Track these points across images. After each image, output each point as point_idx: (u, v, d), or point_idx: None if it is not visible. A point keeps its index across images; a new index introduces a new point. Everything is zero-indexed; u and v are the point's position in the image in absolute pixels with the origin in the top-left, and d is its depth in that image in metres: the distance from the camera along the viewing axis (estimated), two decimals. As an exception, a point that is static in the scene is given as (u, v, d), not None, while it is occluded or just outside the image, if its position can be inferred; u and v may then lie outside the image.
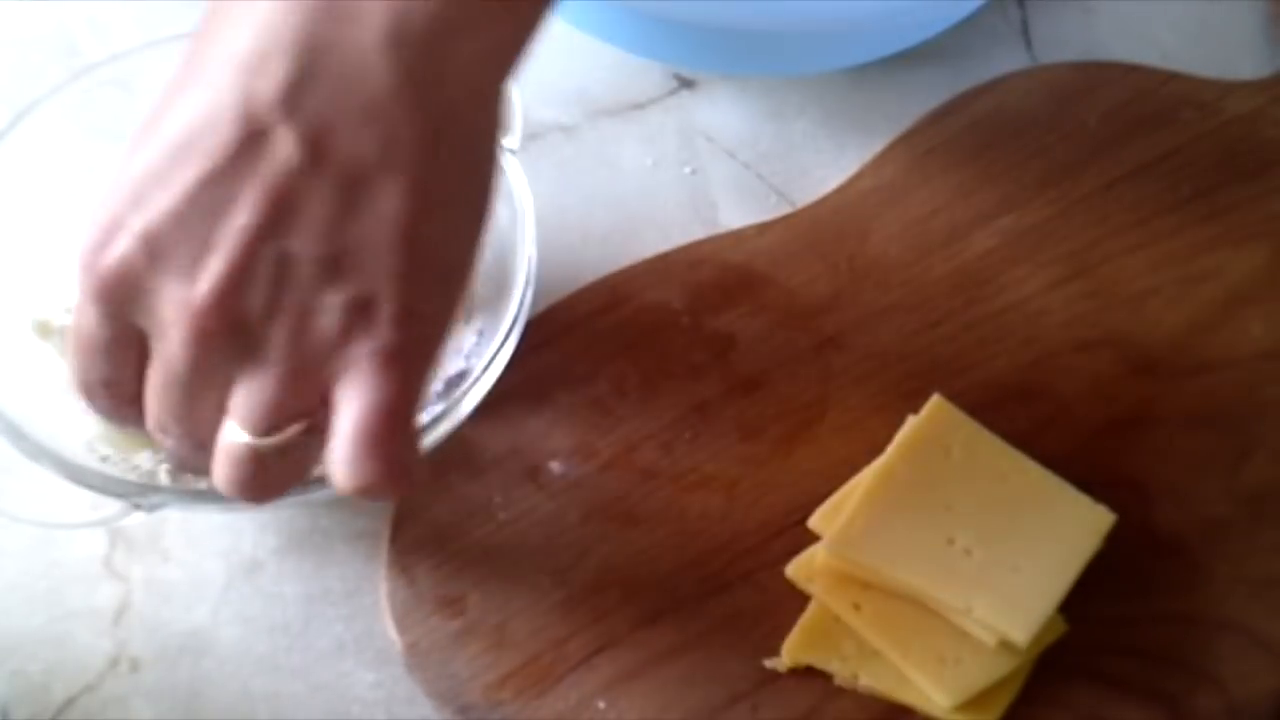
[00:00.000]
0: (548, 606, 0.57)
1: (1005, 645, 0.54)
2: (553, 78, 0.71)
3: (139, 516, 0.53)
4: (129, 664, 0.57)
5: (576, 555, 0.58)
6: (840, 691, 0.56)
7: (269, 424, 0.42)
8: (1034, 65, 0.73)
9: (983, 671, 0.54)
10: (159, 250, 0.40)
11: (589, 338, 0.63)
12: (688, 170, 0.70)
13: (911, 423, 0.59)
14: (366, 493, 0.43)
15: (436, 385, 0.58)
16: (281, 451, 0.43)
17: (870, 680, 0.55)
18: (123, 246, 0.40)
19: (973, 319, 0.64)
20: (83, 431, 0.55)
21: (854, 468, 0.59)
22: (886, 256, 0.66)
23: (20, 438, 0.52)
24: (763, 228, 0.66)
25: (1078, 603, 0.55)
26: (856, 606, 0.56)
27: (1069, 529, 0.56)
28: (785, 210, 0.68)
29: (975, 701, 0.54)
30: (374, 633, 0.58)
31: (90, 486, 0.52)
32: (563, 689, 0.56)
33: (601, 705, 0.55)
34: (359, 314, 0.41)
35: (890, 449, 0.58)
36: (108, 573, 0.58)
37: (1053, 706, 0.56)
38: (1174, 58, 0.73)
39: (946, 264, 0.66)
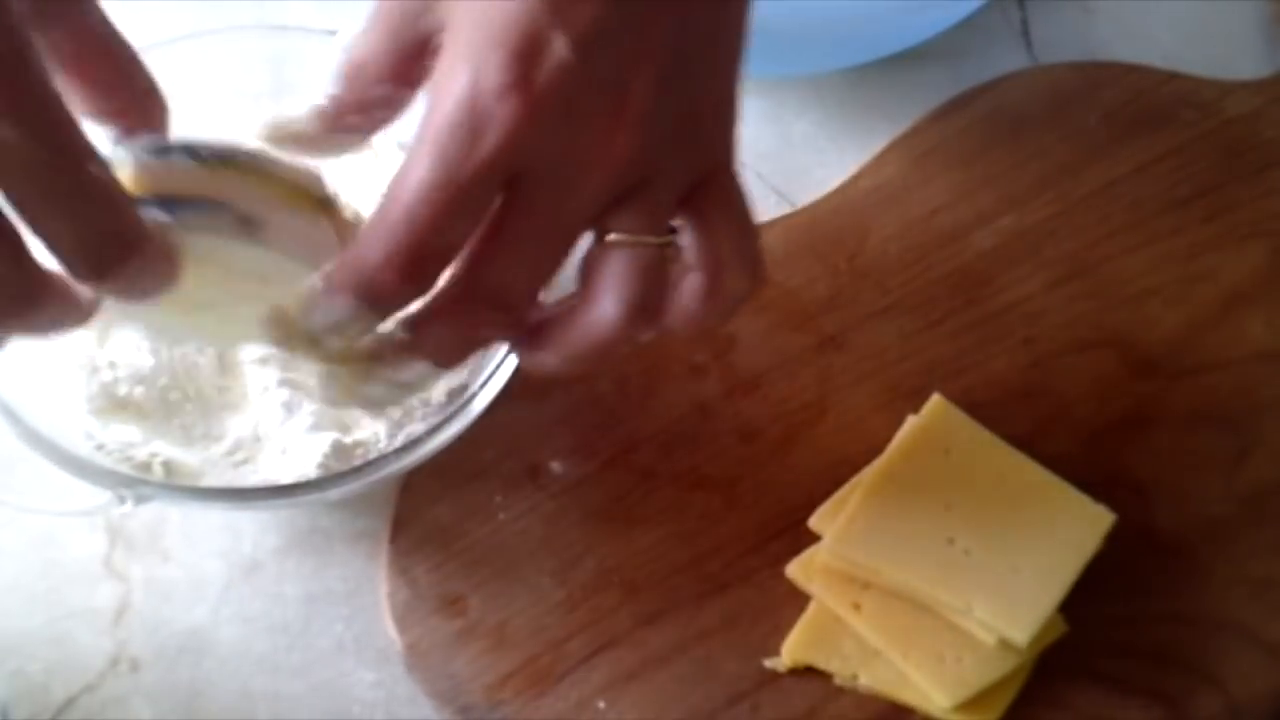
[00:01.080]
0: (548, 606, 0.57)
1: (1005, 645, 0.54)
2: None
3: (134, 511, 0.53)
4: (129, 664, 0.57)
5: (576, 555, 0.58)
6: (840, 691, 0.56)
7: (665, 226, 0.43)
8: (1034, 65, 0.73)
9: (983, 671, 0.54)
10: (592, 60, 0.38)
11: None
12: (688, 170, 0.70)
13: (911, 423, 0.59)
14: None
15: (439, 395, 0.58)
16: (666, 258, 0.43)
17: (870, 680, 0.55)
18: (559, 55, 0.37)
19: (973, 319, 0.64)
20: (79, 419, 0.56)
21: (854, 468, 0.59)
22: (886, 256, 0.66)
23: (15, 421, 0.52)
24: (762, 228, 0.66)
25: (1078, 603, 0.55)
26: (856, 606, 0.56)
27: (1069, 529, 0.56)
28: (785, 210, 0.68)
29: (975, 701, 0.54)
30: (374, 633, 0.58)
31: (81, 475, 0.52)
32: (563, 689, 0.56)
33: (601, 705, 0.55)
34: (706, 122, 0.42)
35: (890, 449, 0.58)
36: (108, 573, 0.58)
37: (1053, 707, 0.56)
38: (1174, 58, 0.73)
39: (946, 264, 0.66)
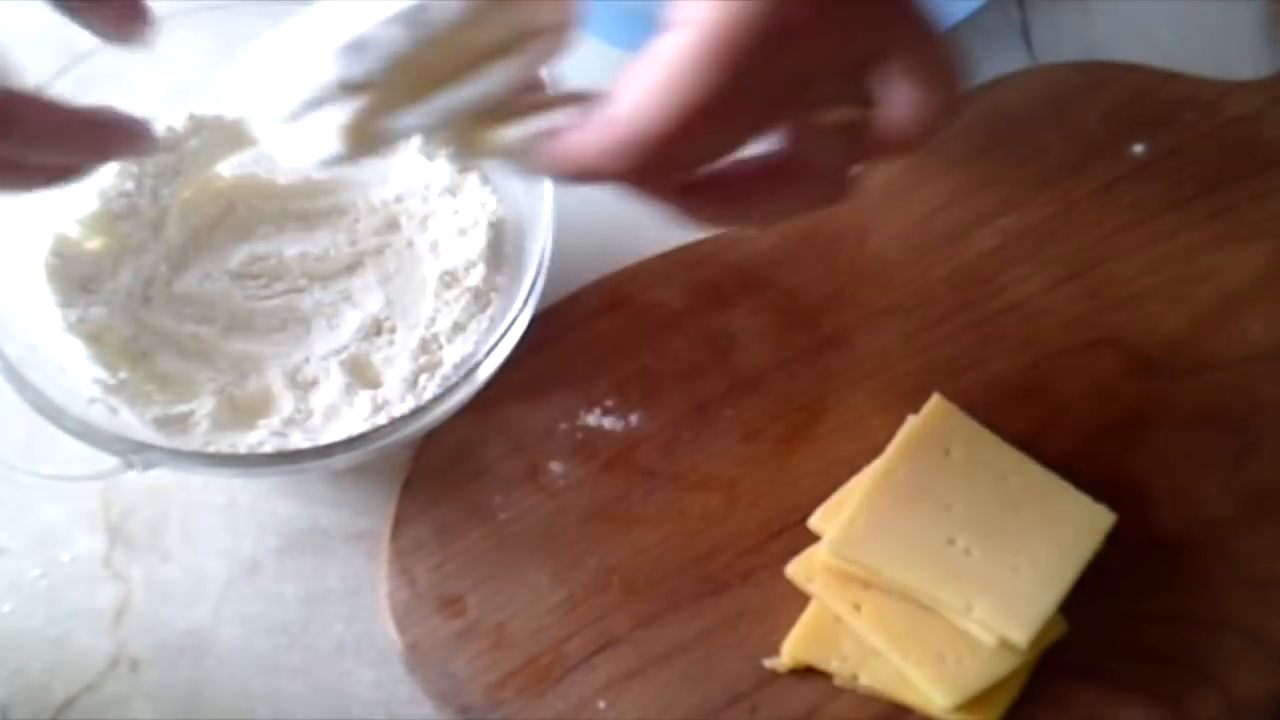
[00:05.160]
0: (548, 606, 0.57)
1: (1005, 645, 0.54)
2: (553, 78, 0.71)
3: (140, 477, 0.53)
4: (129, 664, 0.57)
5: (577, 555, 0.58)
6: (840, 691, 0.56)
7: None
8: (1034, 65, 0.73)
9: (983, 671, 0.54)
10: None
11: (589, 338, 0.63)
12: (688, 170, 0.70)
13: (911, 422, 0.59)
14: None
15: (446, 369, 0.58)
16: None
17: (870, 680, 0.55)
18: None
19: (973, 319, 0.64)
20: (86, 386, 0.56)
21: (854, 468, 0.59)
22: (886, 257, 0.66)
23: (25, 387, 0.53)
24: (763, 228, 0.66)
25: (1078, 603, 0.55)
26: (856, 606, 0.56)
27: (1069, 529, 0.56)
28: (785, 210, 0.68)
29: (975, 701, 0.54)
30: (374, 633, 0.58)
31: (89, 440, 0.53)
32: (563, 689, 0.56)
33: (602, 705, 0.55)
34: None
35: (890, 449, 0.58)
36: (108, 573, 0.58)
37: (1053, 706, 0.56)
38: (1174, 58, 0.73)
39: (946, 264, 0.66)
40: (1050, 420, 0.62)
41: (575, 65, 0.71)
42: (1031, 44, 0.74)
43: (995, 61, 0.72)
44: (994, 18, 0.74)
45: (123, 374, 0.57)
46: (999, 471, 0.57)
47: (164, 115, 0.60)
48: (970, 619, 0.54)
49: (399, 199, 0.63)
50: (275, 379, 0.59)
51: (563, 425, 0.61)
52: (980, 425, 0.59)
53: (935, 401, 0.59)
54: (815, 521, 0.57)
